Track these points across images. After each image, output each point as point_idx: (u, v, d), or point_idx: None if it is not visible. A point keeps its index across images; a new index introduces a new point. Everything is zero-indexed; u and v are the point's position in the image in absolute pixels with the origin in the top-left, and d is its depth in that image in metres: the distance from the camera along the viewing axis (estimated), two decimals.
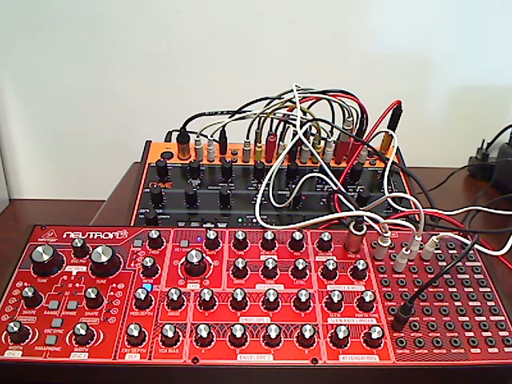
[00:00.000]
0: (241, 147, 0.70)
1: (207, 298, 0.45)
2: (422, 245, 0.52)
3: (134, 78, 1.10)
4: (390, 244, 0.52)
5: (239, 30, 1.02)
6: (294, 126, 0.64)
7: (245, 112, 0.67)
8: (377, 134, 0.68)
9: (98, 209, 0.78)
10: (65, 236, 0.53)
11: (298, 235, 0.52)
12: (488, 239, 0.56)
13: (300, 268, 0.49)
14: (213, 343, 0.44)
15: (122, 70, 1.09)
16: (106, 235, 0.53)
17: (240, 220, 0.62)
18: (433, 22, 1.00)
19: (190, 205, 0.63)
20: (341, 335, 0.43)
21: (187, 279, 0.49)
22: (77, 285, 0.48)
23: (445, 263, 0.52)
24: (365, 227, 0.51)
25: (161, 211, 0.62)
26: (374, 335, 0.43)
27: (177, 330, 0.44)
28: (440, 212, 0.57)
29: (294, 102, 0.63)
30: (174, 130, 0.76)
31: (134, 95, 1.12)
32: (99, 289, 0.46)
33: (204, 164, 0.69)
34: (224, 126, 0.68)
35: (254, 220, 0.61)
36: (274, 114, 0.66)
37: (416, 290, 0.49)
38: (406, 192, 0.67)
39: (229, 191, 0.62)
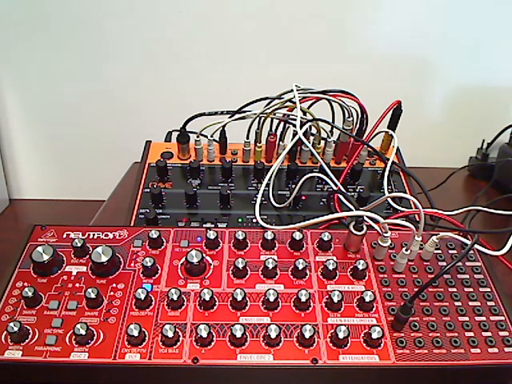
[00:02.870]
0: (241, 147, 0.70)
1: (207, 298, 0.45)
2: (422, 245, 0.52)
3: (133, 78, 1.10)
4: (390, 244, 0.52)
5: (239, 30, 1.02)
6: (294, 125, 0.64)
7: (245, 112, 0.67)
8: (377, 134, 0.68)
9: (98, 209, 0.78)
10: (65, 236, 0.53)
11: (298, 235, 0.52)
12: (488, 239, 0.56)
13: (300, 268, 0.49)
14: (213, 343, 0.44)
15: (122, 70, 1.09)
16: (106, 235, 0.53)
17: (240, 220, 0.62)
18: (433, 22, 1.00)
19: (190, 205, 0.63)
20: (341, 335, 0.43)
21: (187, 279, 0.49)
22: (77, 285, 0.48)
23: (445, 263, 0.52)
24: (365, 227, 0.51)
25: (161, 211, 0.62)
26: (374, 335, 0.43)
27: (177, 329, 0.44)
28: (440, 212, 0.57)
29: (294, 102, 0.63)
30: (174, 130, 0.76)
31: (133, 95, 1.12)
32: (99, 289, 0.46)
33: (204, 164, 0.69)
34: (224, 126, 0.68)
35: (254, 220, 0.61)
36: (274, 114, 0.66)
37: (416, 290, 0.49)
38: (406, 192, 0.67)
39: (229, 191, 0.62)
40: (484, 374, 0.46)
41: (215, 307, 0.47)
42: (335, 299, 0.46)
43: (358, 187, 0.67)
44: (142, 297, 0.45)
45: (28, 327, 0.44)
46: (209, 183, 0.66)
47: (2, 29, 1.04)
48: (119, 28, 1.03)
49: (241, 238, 0.52)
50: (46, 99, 1.15)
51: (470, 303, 0.49)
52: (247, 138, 0.68)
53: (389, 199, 0.63)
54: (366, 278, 0.50)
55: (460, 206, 0.64)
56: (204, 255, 0.49)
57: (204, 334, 0.43)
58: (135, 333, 0.42)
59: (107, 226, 0.54)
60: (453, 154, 1.04)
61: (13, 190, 1.29)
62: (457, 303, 0.48)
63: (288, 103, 0.65)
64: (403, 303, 0.45)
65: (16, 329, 0.42)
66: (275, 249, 0.53)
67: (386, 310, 0.47)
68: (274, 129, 0.68)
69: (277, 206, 0.63)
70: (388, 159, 0.67)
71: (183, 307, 0.46)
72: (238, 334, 0.43)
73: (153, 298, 0.47)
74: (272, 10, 1.00)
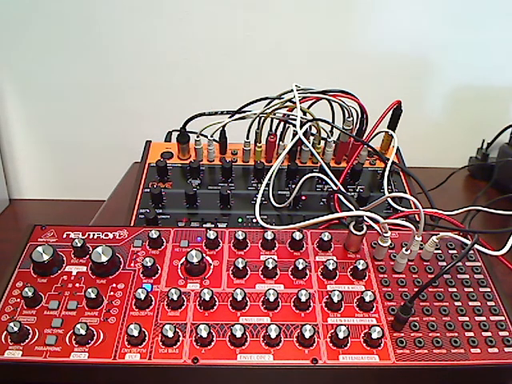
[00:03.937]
0: (241, 147, 0.70)
1: (207, 298, 0.45)
2: (422, 245, 0.52)
3: (133, 78, 1.10)
4: (390, 244, 0.52)
5: (239, 30, 1.03)
6: (294, 125, 0.64)
7: (245, 112, 0.67)
8: (377, 134, 0.68)
9: (98, 209, 0.78)
10: (65, 236, 0.53)
11: (298, 235, 0.52)
12: (488, 239, 0.56)
13: (300, 268, 0.49)
14: (213, 343, 0.44)
15: (121, 70, 1.09)
16: (106, 235, 0.53)
17: (240, 220, 0.62)
18: (433, 22, 1.00)
19: (190, 205, 0.63)
20: (341, 335, 0.43)
21: (187, 279, 0.49)
22: (77, 285, 0.48)
23: (445, 263, 0.52)
24: (365, 227, 0.51)
25: (161, 211, 0.62)
26: (374, 335, 0.43)
27: (177, 329, 0.43)
28: (440, 212, 0.57)
29: (294, 102, 0.63)
30: (174, 130, 0.76)
31: (133, 95, 1.12)
32: (99, 289, 0.46)
33: (204, 164, 0.69)
34: (224, 126, 0.68)
35: (254, 220, 0.61)
36: (274, 114, 0.66)
37: (416, 290, 0.49)
38: (406, 192, 0.67)
39: (229, 191, 0.62)
40: (484, 374, 0.46)
41: (215, 307, 0.47)
42: (335, 299, 0.46)
43: (358, 187, 0.67)
44: (142, 297, 0.45)
45: (28, 327, 0.44)
46: (209, 183, 0.66)
47: (1, 29, 1.04)
48: (120, 29, 1.03)
49: (241, 237, 0.51)
50: (46, 99, 1.15)
51: (470, 303, 0.49)
52: (247, 138, 0.68)
53: (389, 199, 0.63)
54: (366, 278, 0.50)
55: (460, 206, 0.65)
56: (204, 255, 0.49)
57: (204, 334, 0.43)
58: (135, 333, 0.42)
59: (107, 226, 0.54)
60: (453, 154, 1.04)
61: (13, 190, 1.30)
62: (457, 303, 0.48)
63: (288, 103, 0.65)
64: (403, 303, 0.45)
65: (16, 329, 0.42)
66: (275, 249, 0.53)
67: (385, 310, 0.47)
68: (274, 129, 0.68)
69: (277, 205, 0.63)
70: (388, 159, 0.67)
71: (183, 307, 0.46)
72: (238, 334, 0.43)
73: (153, 298, 0.47)
74: (272, 9, 1.00)
